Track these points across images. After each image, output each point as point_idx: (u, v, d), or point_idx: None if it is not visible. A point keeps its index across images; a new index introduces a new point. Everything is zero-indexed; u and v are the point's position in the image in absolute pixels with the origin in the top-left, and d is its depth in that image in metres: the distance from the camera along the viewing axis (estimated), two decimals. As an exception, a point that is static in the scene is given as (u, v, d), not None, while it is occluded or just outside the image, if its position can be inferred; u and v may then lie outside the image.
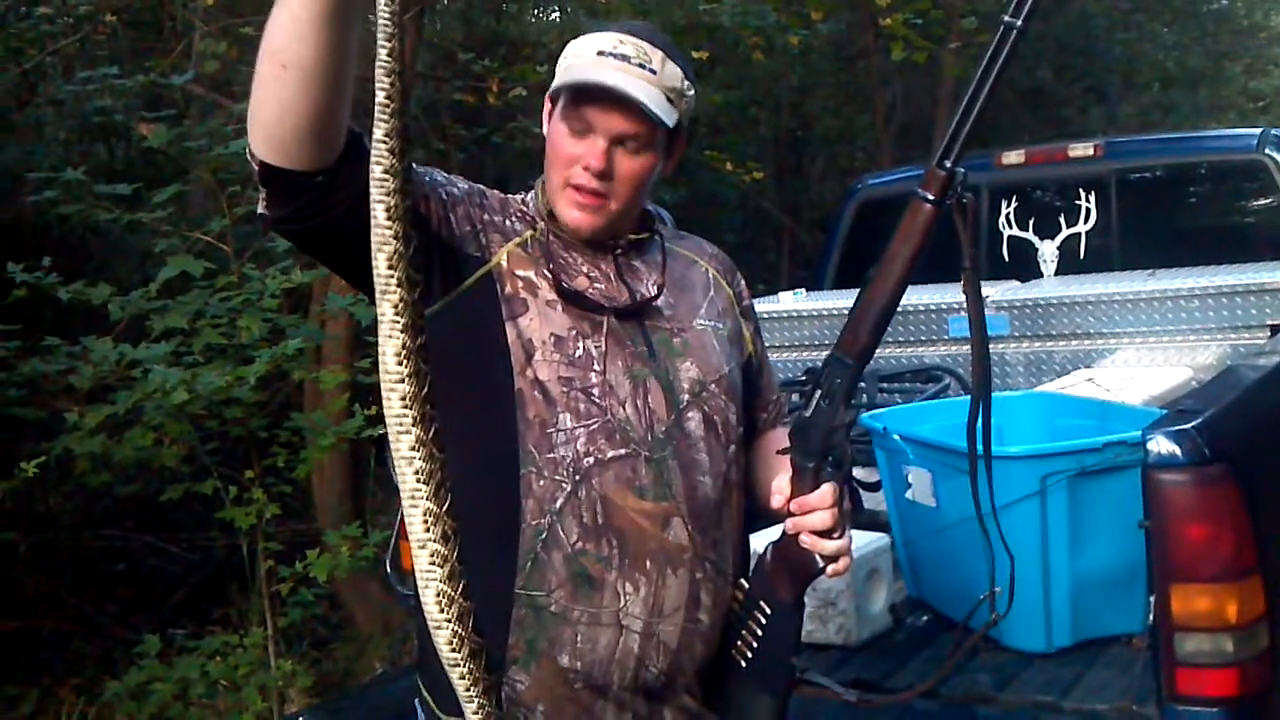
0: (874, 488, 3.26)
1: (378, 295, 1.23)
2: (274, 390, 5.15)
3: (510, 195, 1.76)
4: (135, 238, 5.93)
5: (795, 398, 3.79)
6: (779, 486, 1.64)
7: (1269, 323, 3.43)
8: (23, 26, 5.93)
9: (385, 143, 1.22)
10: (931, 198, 1.54)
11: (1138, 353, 3.61)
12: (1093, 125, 11.25)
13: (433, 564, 1.25)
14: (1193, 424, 2.19)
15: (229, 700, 4.24)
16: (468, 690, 1.29)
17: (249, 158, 1.45)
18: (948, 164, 1.53)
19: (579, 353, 1.62)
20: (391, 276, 1.23)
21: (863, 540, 2.83)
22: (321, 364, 5.00)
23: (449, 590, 1.26)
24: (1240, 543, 2.16)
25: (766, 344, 4.12)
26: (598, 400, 1.61)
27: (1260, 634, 2.16)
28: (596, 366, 1.63)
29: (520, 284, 1.64)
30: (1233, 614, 2.13)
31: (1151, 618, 2.21)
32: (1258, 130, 4.42)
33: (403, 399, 1.23)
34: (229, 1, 6.32)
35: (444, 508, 1.25)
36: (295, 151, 1.40)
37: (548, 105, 1.71)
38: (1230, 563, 2.15)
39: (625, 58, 1.63)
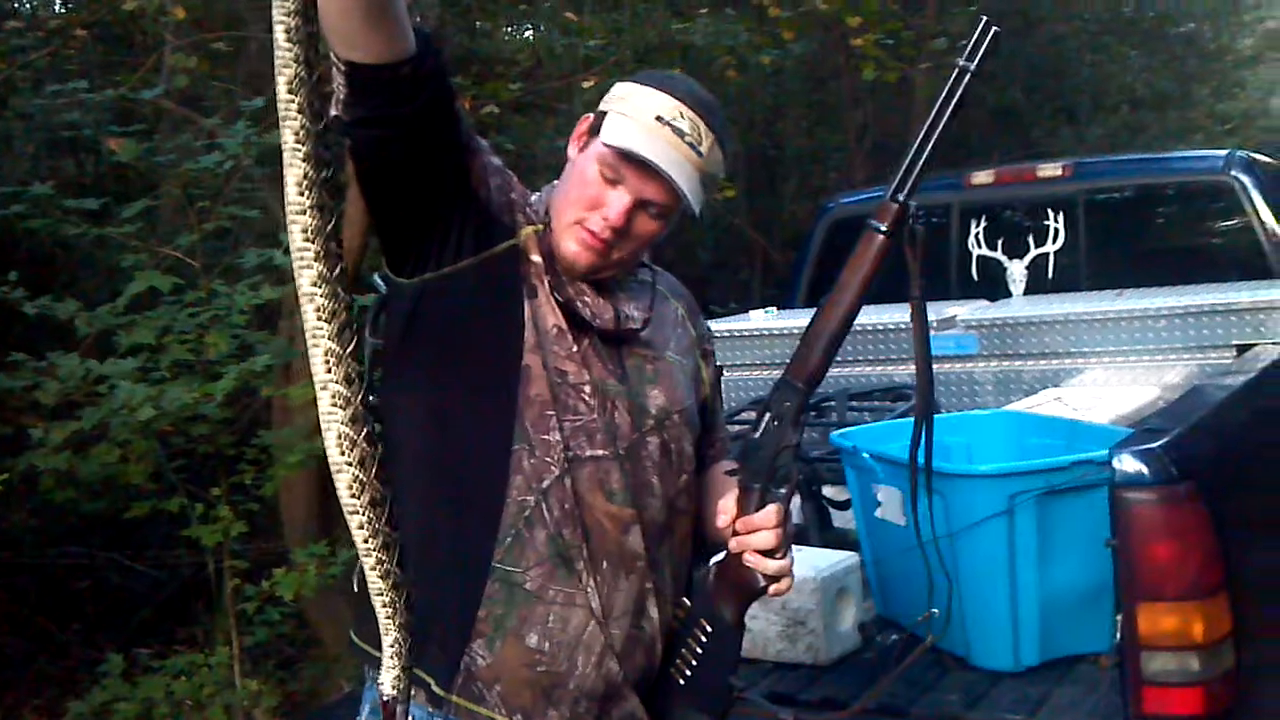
0: (844, 506, 3.26)
1: (280, 123, 1.20)
2: (242, 407, 5.12)
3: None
4: (103, 253, 5.88)
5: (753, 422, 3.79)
6: (724, 506, 1.68)
7: (1235, 342, 3.45)
8: (-8, 39, 5.89)
9: None
10: (884, 229, 1.61)
11: (1106, 372, 3.62)
12: (1062, 146, 11.32)
13: (334, 406, 1.21)
14: (1159, 443, 2.20)
15: (194, 720, 4.20)
16: (366, 541, 1.24)
17: (333, 62, 1.45)
18: (900, 197, 1.60)
19: (574, 350, 1.67)
20: (291, 102, 1.18)
21: (832, 559, 2.83)
22: (290, 381, 4.95)
23: (351, 433, 1.21)
24: (1206, 561, 2.17)
25: (738, 362, 4.12)
26: (586, 399, 1.65)
27: (1226, 652, 2.17)
28: (584, 370, 1.67)
29: (533, 269, 1.68)
30: (1199, 632, 2.14)
31: (1118, 636, 2.22)
32: (1224, 152, 4.47)
33: (304, 231, 1.18)
34: (200, 16, 6.29)
35: (347, 349, 1.20)
36: (367, 41, 1.40)
37: (583, 127, 1.73)
38: (1196, 581, 2.16)
39: (680, 133, 1.65)
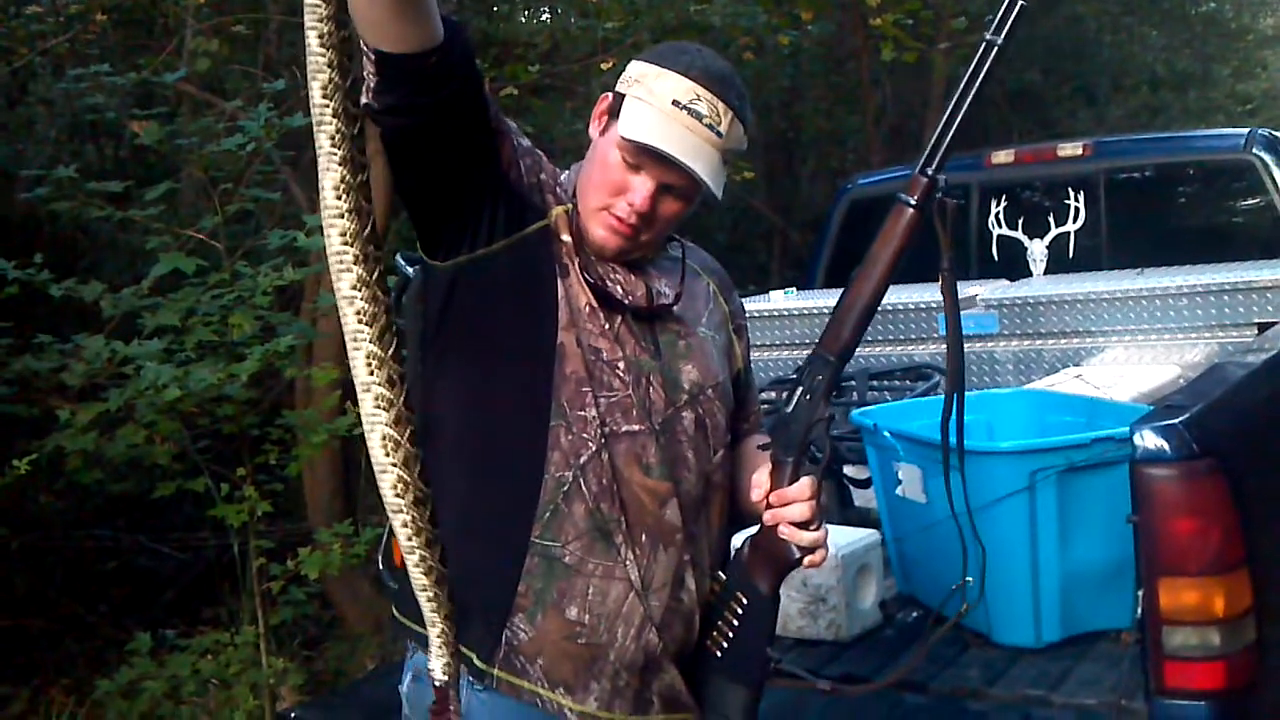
0: (865, 484, 3.28)
1: (315, 127, 1.21)
2: (266, 388, 5.16)
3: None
4: (127, 235, 5.93)
5: (785, 396, 3.81)
6: (758, 480, 1.70)
7: (1256, 320, 3.45)
8: (13, 25, 5.92)
9: None
10: (914, 202, 1.63)
11: (1126, 350, 3.63)
12: (1082, 127, 11.28)
13: (378, 408, 1.22)
14: (1180, 419, 2.21)
15: (220, 698, 4.24)
16: (410, 539, 1.26)
17: (363, 51, 1.46)
18: (930, 171, 1.62)
19: (607, 327, 1.69)
20: (326, 107, 1.18)
21: (853, 536, 2.84)
22: (313, 362, 4.99)
23: (395, 435, 1.22)
24: (1227, 536, 2.17)
25: (758, 342, 4.12)
26: (621, 375, 1.67)
27: (1247, 627, 2.18)
28: (618, 347, 1.69)
29: (564, 248, 1.70)
30: (1220, 607, 2.15)
31: (1140, 612, 2.23)
32: (1245, 130, 4.46)
33: (342, 235, 1.19)
34: (220, 0, 6.32)
35: (389, 352, 1.21)
36: (395, 31, 1.42)
37: (602, 106, 1.74)
38: (1217, 556, 2.17)
39: (699, 115, 1.65)
